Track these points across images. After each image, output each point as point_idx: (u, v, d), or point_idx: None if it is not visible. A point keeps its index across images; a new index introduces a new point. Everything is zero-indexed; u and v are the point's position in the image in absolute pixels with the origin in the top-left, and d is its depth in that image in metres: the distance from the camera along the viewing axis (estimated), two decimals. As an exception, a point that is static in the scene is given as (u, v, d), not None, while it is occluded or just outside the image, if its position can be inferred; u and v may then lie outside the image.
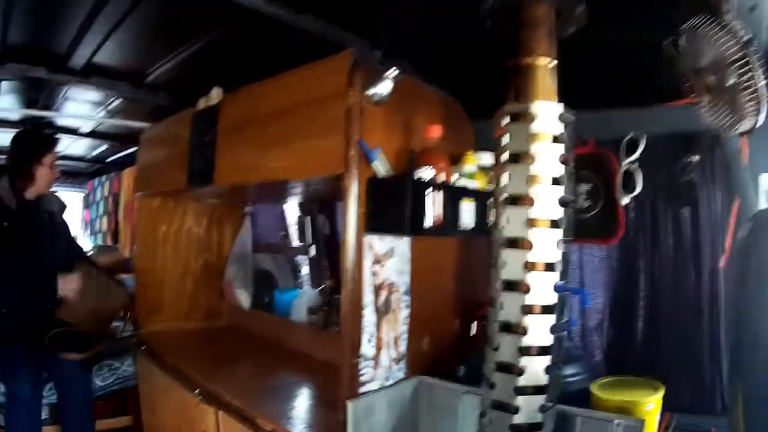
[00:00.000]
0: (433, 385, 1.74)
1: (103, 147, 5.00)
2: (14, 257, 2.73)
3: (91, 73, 2.73)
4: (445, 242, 1.96)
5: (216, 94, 2.27)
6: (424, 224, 1.55)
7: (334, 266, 2.97)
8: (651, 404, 1.45)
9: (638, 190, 1.82)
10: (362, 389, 1.61)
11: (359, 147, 1.54)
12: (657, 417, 1.47)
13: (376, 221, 1.56)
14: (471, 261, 2.08)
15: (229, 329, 3.21)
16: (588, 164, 1.93)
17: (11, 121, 4.05)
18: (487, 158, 1.86)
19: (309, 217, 3.08)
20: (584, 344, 2.12)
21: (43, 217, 2.98)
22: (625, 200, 1.86)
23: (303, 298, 2.80)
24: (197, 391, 2.15)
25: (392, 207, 1.53)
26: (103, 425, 2.98)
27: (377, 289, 1.62)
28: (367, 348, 1.61)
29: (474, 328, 2.05)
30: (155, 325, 3.05)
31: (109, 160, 5.59)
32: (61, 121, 4.05)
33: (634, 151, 1.81)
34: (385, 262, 1.63)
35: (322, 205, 3.03)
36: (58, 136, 3.25)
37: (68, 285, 2.75)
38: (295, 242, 3.31)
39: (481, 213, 1.76)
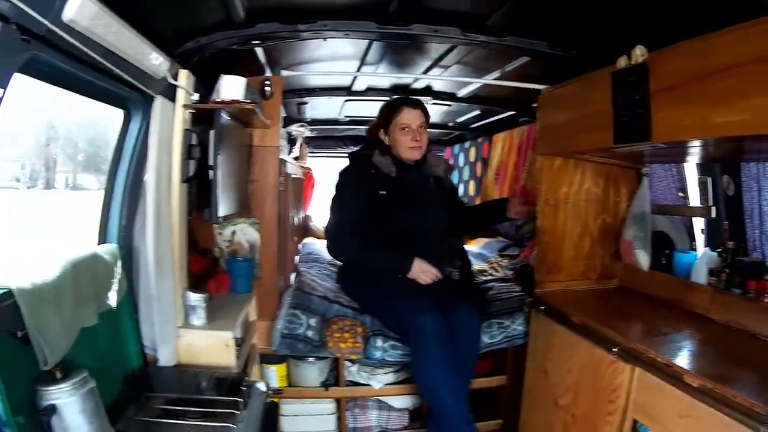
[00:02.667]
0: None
1: (472, 114, 5.37)
2: (395, 223, 3.19)
3: (507, 32, 2.88)
4: None
5: (641, 52, 2.41)
6: None
7: (736, 228, 3.02)
8: None
9: None
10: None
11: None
12: None
13: None
14: None
15: (623, 290, 3.46)
16: None
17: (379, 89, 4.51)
18: None
19: (710, 178, 3.14)
20: None
21: (427, 181, 3.38)
22: None
23: (704, 260, 2.94)
24: (616, 349, 2.41)
25: None
26: (474, 384, 3.38)
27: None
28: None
29: None
30: (553, 284, 3.37)
31: (475, 125, 5.96)
32: (438, 84, 4.35)
33: None
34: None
35: (725, 166, 3.07)
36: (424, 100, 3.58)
37: (421, 271, 3.16)
38: (694, 203, 3.38)
39: None
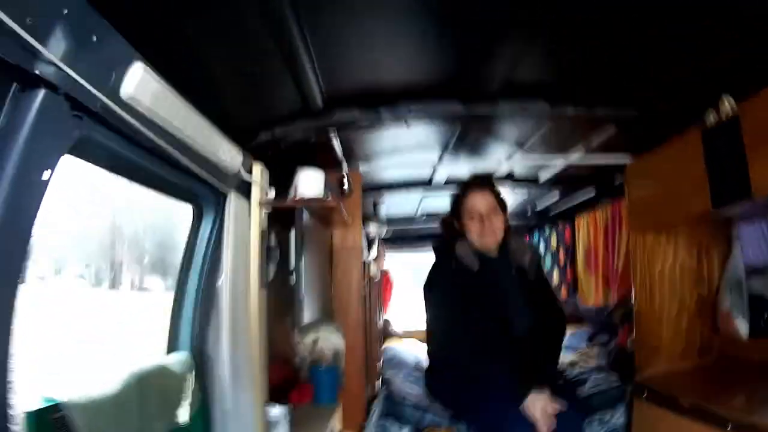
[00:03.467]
0: None
1: (553, 199, 5.13)
2: (476, 324, 2.77)
3: (594, 102, 2.68)
4: None
5: (729, 105, 2.31)
6: None
7: None
8: None
9: None
10: None
11: None
12: None
13: None
14: None
15: (725, 362, 3.21)
16: None
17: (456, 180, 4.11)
18: None
19: None
20: None
21: (509, 273, 2.97)
22: None
23: None
24: (730, 426, 2.20)
25: None
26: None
27: None
28: None
29: None
30: (653, 368, 3.15)
31: (555, 212, 5.69)
32: (519, 169, 4.09)
33: None
34: None
35: None
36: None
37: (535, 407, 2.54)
38: None
39: None
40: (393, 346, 5.75)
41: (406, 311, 7.28)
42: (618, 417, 3.24)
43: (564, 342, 3.52)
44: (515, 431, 2.56)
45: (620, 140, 3.19)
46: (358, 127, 2.76)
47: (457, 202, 2.99)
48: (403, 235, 6.63)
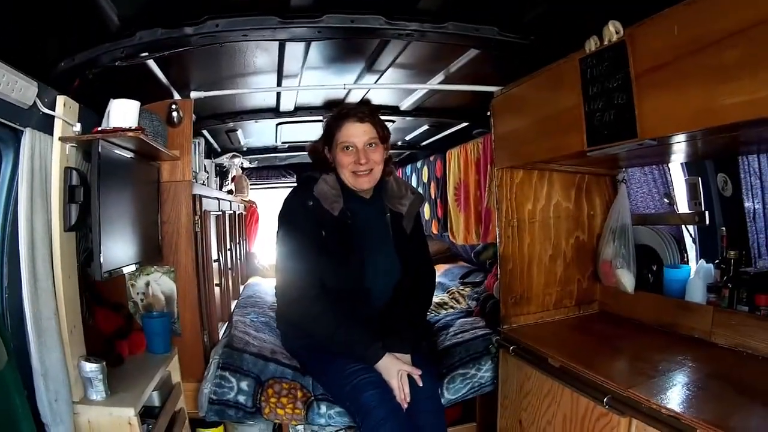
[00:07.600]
0: None
1: (421, 129, 4.92)
2: (329, 273, 2.59)
3: (445, 18, 2.41)
4: None
5: (615, 29, 2.05)
6: None
7: (736, 235, 2.75)
8: None
9: None
10: None
11: None
12: None
13: None
14: None
15: (605, 316, 3.12)
16: None
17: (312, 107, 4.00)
18: None
19: (700, 178, 2.86)
20: None
21: (381, 219, 2.77)
22: None
23: (699, 275, 2.65)
24: (607, 398, 2.03)
25: None
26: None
27: None
28: None
29: None
30: (522, 318, 2.99)
31: (425, 143, 5.62)
32: (378, 97, 3.80)
33: None
34: None
35: (719, 162, 2.77)
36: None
37: (389, 374, 2.48)
38: (682, 209, 3.07)
39: None
40: (256, 282, 5.67)
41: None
42: (485, 371, 3.07)
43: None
44: (364, 395, 2.43)
45: (486, 69, 2.98)
46: (168, 47, 2.40)
47: (332, 130, 2.66)
48: (268, 165, 6.48)
